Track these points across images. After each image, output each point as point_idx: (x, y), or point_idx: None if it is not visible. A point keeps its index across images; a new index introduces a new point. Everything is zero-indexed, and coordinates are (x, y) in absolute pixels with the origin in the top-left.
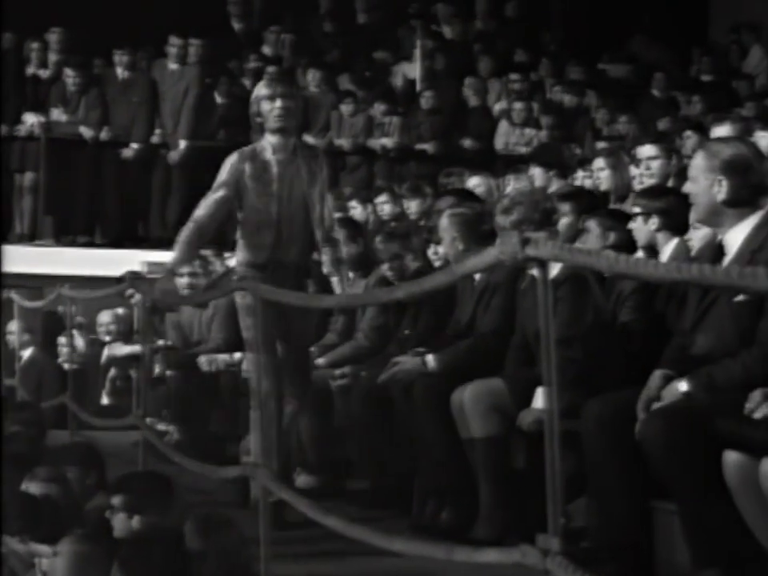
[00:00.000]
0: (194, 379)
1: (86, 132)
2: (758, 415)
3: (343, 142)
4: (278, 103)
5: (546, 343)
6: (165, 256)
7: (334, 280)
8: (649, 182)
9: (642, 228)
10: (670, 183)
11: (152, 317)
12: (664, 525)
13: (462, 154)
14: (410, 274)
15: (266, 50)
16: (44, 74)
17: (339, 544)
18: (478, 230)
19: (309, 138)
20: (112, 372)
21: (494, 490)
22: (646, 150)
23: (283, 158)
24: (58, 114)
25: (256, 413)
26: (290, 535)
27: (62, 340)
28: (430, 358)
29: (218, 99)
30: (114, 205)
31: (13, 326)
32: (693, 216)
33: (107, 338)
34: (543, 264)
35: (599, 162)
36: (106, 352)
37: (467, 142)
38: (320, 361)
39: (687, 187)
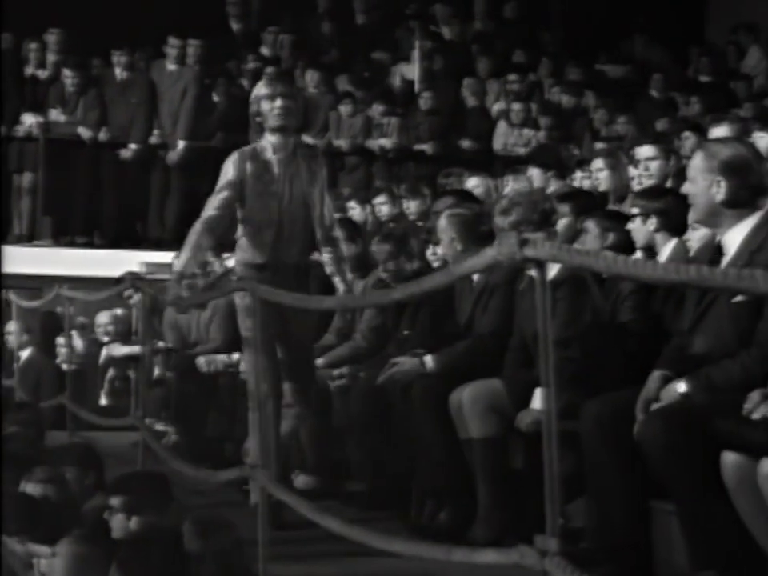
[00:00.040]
0: (192, 380)
1: (84, 132)
2: (756, 416)
3: (342, 143)
4: (278, 102)
5: (545, 344)
6: (163, 257)
7: (336, 280)
8: (647, 182)
9: (640, 228)
10: (669, 184)
11: (151, 317)
12: (662, 525)
13: (461, 154)
14: (408, 275)
15: (265, 50)
16: (42, 74)
17: (338, 545)
18: (477, 230)
19: (307, 139)
20: (110, 373)
21: (492, 491)
22: (645, 151)
23: (284, 158)
24: (56, 115)
25: (254, 414)
26: (288, 536)
27: (60, 340)
28: (429, 359)
29: (217, 100)
30: (112, 205)
31: (11, 327)
32: (691, 216)
33: (105, 339)
34: (541, 265)
35: (598, 163)
36: (104, 353)
37: (466, 143)
38: (318, 361)
39: (686, 188)
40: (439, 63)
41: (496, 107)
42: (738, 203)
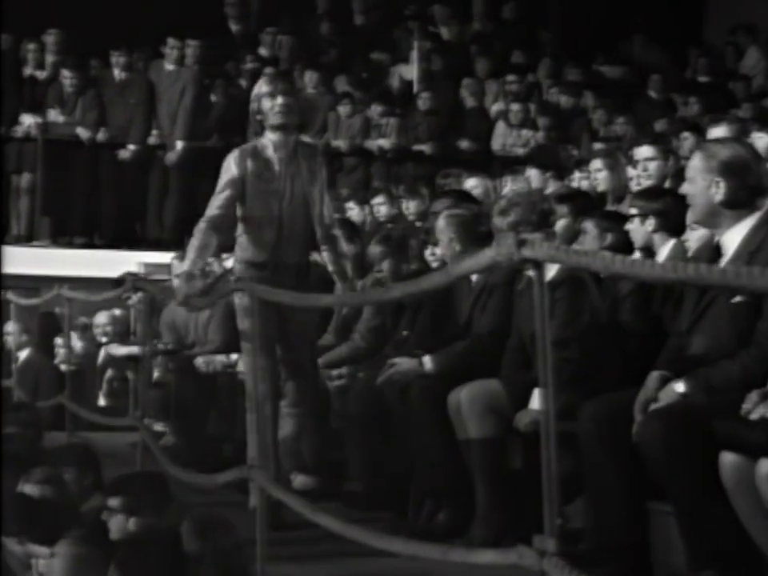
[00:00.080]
0: (191, 381)
1: (82, 133)
2: (754, 416)
3: (340, 143)
4: (279, 100)
5: (543, 344)
6: (162, 257)
7: (336, 278)
8: (646, 183)
9: (639, 229)
10: (667, 184)
11: (149, 318)
12: (661, 526)
13: (459, 155)
14: (405, 276)
15: (263, 51)
16: (41, 75)
17: (336, 545)
18: (475, 231)
19: (306, 139)
20: (109, 373)
21: (490, 491)
22: (643, 151)
23: (284, 156)
24: (55, 115)
25: (252, 415)
26: (286, 536)
27: (59, 341)
28: (427, 359)
29: (215, 100)
30: (111, 206)
31: (10, 327)
32: (690, 217)
33: (104, 339)
34: (539, 265)
35: (596, 163)
36: (102, 353)
37: (464, 143)
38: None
39: (684, 188)
40: (438, 64)
41: (495, 108)
42: (737, 204)
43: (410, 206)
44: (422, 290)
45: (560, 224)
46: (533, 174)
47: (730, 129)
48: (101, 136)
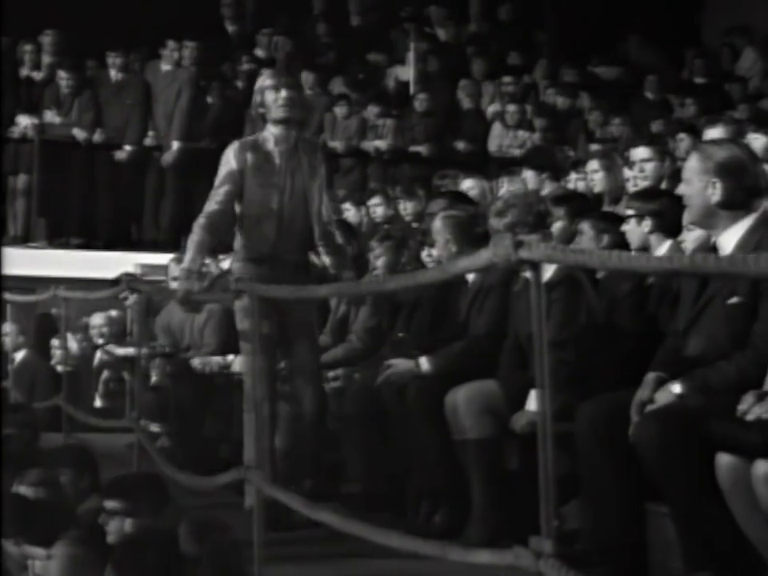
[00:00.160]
0: (187, 382)
1: (79, 134)
2: (750, 417)
3: (337, 144)
4: (283, 93)
5: (540, 345)
6: (158, 258)
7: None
8: (642, 184)
9: (635, 230)
10: (664, 185)
11: (146, 319)
12: (657, 527)
13: (456, 156)
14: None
15: (259, 52)
16: (37, 76)
17: (333, 546)
18: (472, 232)
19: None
20: (105, 374)
21: (486, 492)
22: (640, 152)
23: (285, 150)
24: (51, 116)
25: (250, 415)
26: (284, 537)
27: (55, 342)
28: (424, 360)
29: (211, 102)
30: (107, 207)
31: (6, 328)
32: (686, 218)
33: (100, 341)
34: (536, 266)
35: (593, 164)
36: (98, 354)
37: (461, 145)
38: None
39: (681, 189)
40: (434, 65)
41: (491, 109)
42: (734, 205)
43: (406, 207)
44: (419, 284)
45: (557, 225)
46: (529, 176)
47: (726, 130)
48: (97, 137)
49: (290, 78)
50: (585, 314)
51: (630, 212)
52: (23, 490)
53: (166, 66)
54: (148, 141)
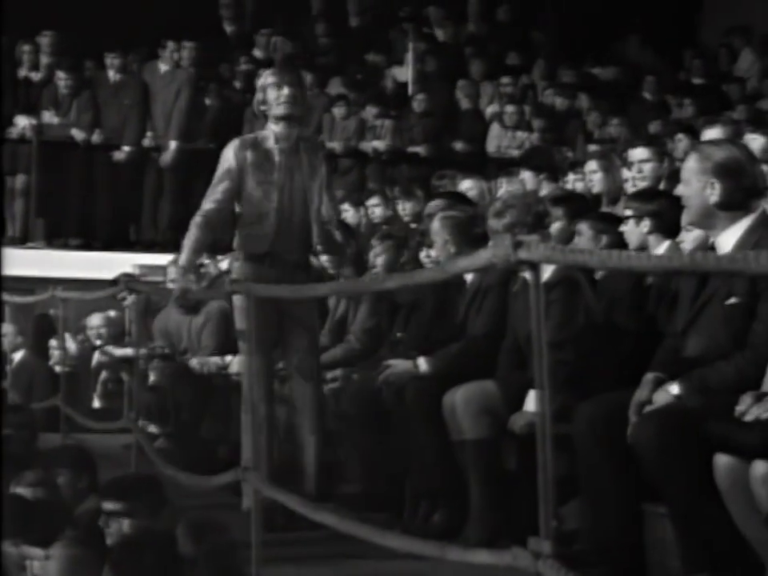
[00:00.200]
0: (185, 383)
1: (77, 134)
2: (748, 418)
3: (335, 145)
4: (285, 90)
5: (538, 346)
6: (156, 259)
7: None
8: (641, 184)
9: (633, 231)
10: (662, 186)
11: (144, 319)
12: (655, 527)
13: (454, 156)
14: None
15: (258, 52)
16: (36, 76)
17: (331, 547)
18: (470, 233)
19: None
20: (103, 375)
21: (485, 492)
22: (638, 153)
23: (286, 148)
24: (49, 117)
25: (247, 416)
26: (281, 538)
27: (53, 343)
28: (422, 361)
29: (210, 102)
30: (105, 207)
31: (5, 329)
32: (685, 218)
33: (98, 342)
34: (535, 267)
35: (591, 165)
36: (96, 355)
37: (459, 145)
38: None
39: (679, 190)
40: (433, 65)
41: (489, 109)
42: (732, 205)
43: (405, 208)
44: (417, 284)
45: (555, 226)
46: (527, 176)
47: (724, 130)
48: (95, 137)
49: (292, 75)
50: (583, 314)
51: (628, 212)
52: (21, 490)
53: (164, 67)
54: (146, 141)
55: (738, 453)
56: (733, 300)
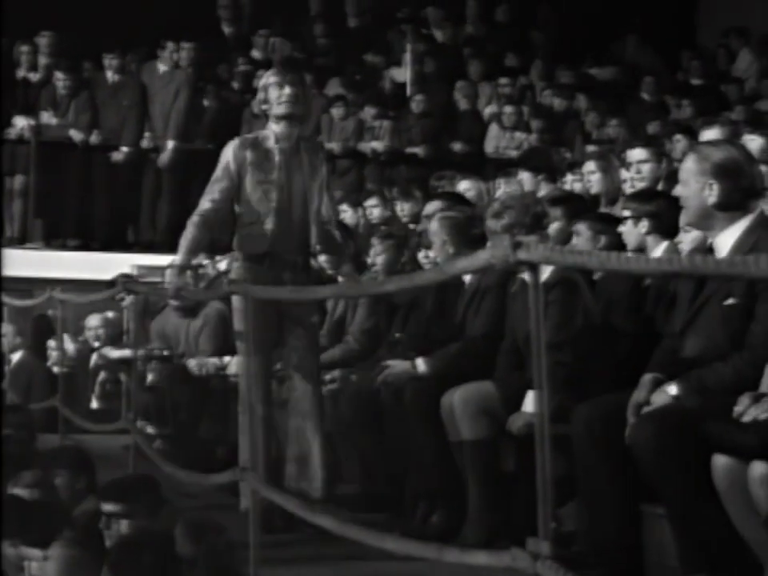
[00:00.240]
0: (184, 384)
1: (75, 135)
2: (746, 419)
3: (333, 146)
4: (287, 90)
5: (537, 347)
6: (155, 259)
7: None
8: (639, 185)
9: (632, 231)
10: (660, 187)
11: (143, 320)
12: (653, 528)
13: (453, 157)
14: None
15: (256, 53)
16: (34, 77)
17: (329, 548)
18: (469, 233)
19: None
20: (102, 375)
21: (483, 493)
22: (636, 154)
23: (286, 148)
24: (47, 118)
25: (245, 416)
26: (279, 539)
27: (51, 343)
28: (420, 362)
29: (208, 103)
30: (104, 208)
31: (3, 329)
32: (683, 219)
33: (96, 343)
34: (534, 267)
35: (589, 166)
36: (95, 356)
37: (457, 146)
38: None
39: (678, 190)
40: (431, 66)
41: (488, 110)
42: (730, 206)
43: (403, 208)
44: (417, 286)
45: (553, 226)
46: (525, 177)
47: (722, 131)
48: (94, 138)
49: (294, 74)
50: (582, 315)
51: (626, 213)
52: (19, 491)
53: (163, 67)
54: (145, 142)
55: (736, 454)
56: (731, 301)
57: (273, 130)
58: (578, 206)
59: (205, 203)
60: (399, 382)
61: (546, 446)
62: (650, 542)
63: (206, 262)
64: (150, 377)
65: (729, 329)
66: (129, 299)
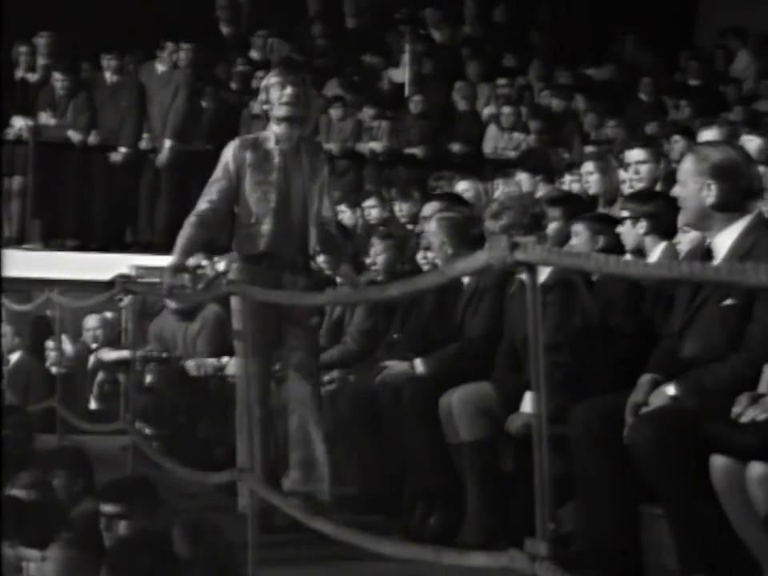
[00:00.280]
0: (182, 385)
1: (74, 136)
2: (745, 419)
3: (332, 146)
4: (288, 90)
5: (535, 347)
6: (153, 260)
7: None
8: (637, 185)
9: (630, 232)
10: (659, 187)
11: (141, 321)
12: (652, 529)
13: (451, 158)
14: (400, 274)
15: (254, 54)
16: (32, 77)
17: (327, 549)
18: (467, 234)
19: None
20: (100, 376)
21: (481, 494)
22: (635, 154)
23: (286, 149)
24: (46, 118)
25: (243, 417)
26: (277, 539)
27: (50, 344)
28: (419, 362)
29: (206, 103)
30: (102, 209)
31: (2, 330)
32: (681, 220)
33: (94, 345)
34: (532, 268)
35: (588, 166)
36: (93, 356)
37: (456, 147)
38: None
39: (676, 191)
40: (429, 67)
41: (486, 111)
42: (728, 206)
43: (402, 209)
44: (417, 290)
45: (552, 226)
46: (523, 178)
47: (720, 132)
48: (92, 139)
49: (296, 75)
50: (580, 316)
51: (625, 214)
52: (17, 492)
53: (161, 67)
54: (143, 143)
55: (734, 454)
56: (729, 302)
57: (273, 131)
58: (577, 207)
59: (202, 203)
60: (397, 382)
61: (543, 446)
62: (648, 543)
63: (204, 262)
64: (148, 378)
65: (727, 329)
66: (127, 299)
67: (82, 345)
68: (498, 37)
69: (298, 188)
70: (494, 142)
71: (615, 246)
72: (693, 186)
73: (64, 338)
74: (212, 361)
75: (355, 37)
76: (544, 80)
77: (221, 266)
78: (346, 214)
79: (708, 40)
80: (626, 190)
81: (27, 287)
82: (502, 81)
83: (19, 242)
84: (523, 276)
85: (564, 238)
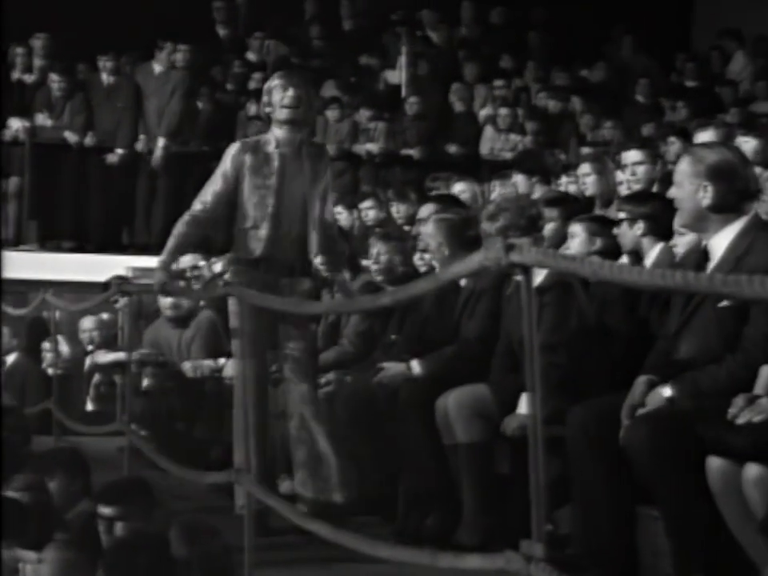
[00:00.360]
0: (179, 386)
1: (70, 137)
2: (740, 421)
3: (328, 148)
4: (291, 92)
5: (530, 349)
6: (150, 261)
7: (331, 278)
8: (634, 187)
9: (627, 233)
10: (655, 188)
11: (137, 322)
12: (648, 530)
13: (448, 159)
14: (397, 278)
15: (251, 55)
16: (29, 79)
17: (323, 550)
18: (464, 235)
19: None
20: (96, 378)
21: (477, 496)
22: (631, 156)
23: (287, 153)
24: (42, 119)
25: (239, 419)
26: (274, 542)
27: (46, 345)
28: (415, 364)
29: (202, 105)
30: (98, 210)
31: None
32: (678, 221)
33: (90, 347)
34: (527, 270)
35: (584, 168)
36: (89, 358)
37: (452, 148)
38: None
39: (672, 192)
40: (426, 68)
41: (483, 112)
42: (725, 208)
43: (399, 210)
44: (412, 296)
45: (548, 228)
46: (520, 179)
47: (716, 133)
48: (88, 140)
49: (299, 78)
50: (576, 317)
51: (621, 215)
52: (12, 494)
53: (159, 68)
54: (139, 144)
55: (730, 455)
56: (724, 303)
57: (275, 135)
58: (573, 208)
59: (196, 204)
60: (394, 384)
61: (539, 448)
62: (644, 544)
63: (201, 263)
64: (145, 382)
65: (723, 331)
66: (123, 301)
67: (78, 346)
68: (495, 38)
69: (297, 192)
70: (490, 143)
71: (612, 248)
72: (689, 188)
73: (60, 339)
74: (209, 362)
75: (352, 38)
76: (541, 81)
77: (217, 267)
78: (342, 216)
79: (704, 42)
80: (623, 191)
81: (24, 288)
82: (498, 82)
83: (15, 243)
84: (519, 278)
85: (561, 239)
